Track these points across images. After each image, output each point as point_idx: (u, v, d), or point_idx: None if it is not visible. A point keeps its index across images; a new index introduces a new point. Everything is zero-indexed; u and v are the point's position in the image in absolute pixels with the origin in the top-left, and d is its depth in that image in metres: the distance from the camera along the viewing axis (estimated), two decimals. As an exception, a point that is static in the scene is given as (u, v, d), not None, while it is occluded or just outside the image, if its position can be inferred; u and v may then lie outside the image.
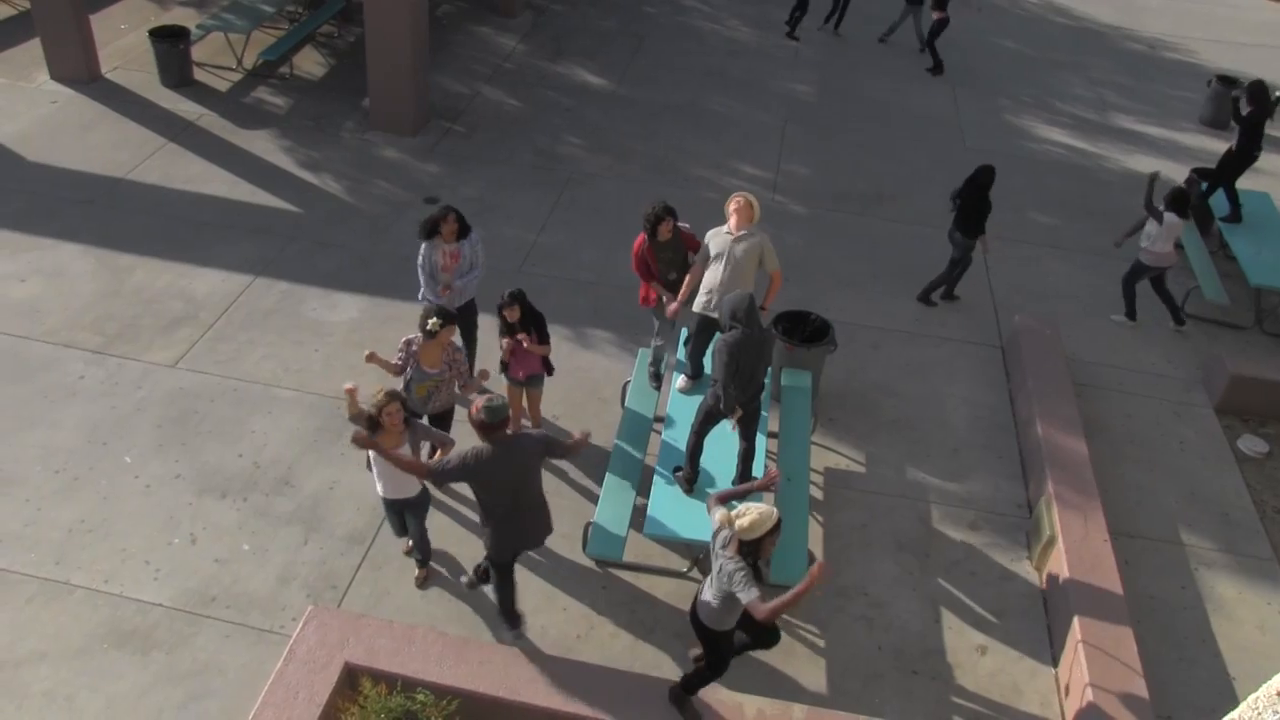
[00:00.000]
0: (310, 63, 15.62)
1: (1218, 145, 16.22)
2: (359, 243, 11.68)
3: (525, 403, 8.90)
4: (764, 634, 6.91)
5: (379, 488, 7.36)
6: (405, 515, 7.56)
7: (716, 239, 8.51)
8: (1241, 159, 12.79)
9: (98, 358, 9.74)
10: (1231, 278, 12.24)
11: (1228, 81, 16.83)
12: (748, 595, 5.65)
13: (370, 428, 6.85)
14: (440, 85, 15.12)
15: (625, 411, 8.91)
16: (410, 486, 7.32)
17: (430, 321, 7.54)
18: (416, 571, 7.90)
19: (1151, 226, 11.03)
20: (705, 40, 17.92)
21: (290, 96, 14.60)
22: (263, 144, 13.36)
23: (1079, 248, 13.01)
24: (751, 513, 5.78)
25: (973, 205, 10.89)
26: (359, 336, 10.25)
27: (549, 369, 8.67)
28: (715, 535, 6.00)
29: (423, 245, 8.87)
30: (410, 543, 7.88)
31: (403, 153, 13.47)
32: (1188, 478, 9.72)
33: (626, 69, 16.47)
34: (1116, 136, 16.13)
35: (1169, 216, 10.91)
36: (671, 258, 8.89)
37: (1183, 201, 10.90)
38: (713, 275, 8.45)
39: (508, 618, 7.33)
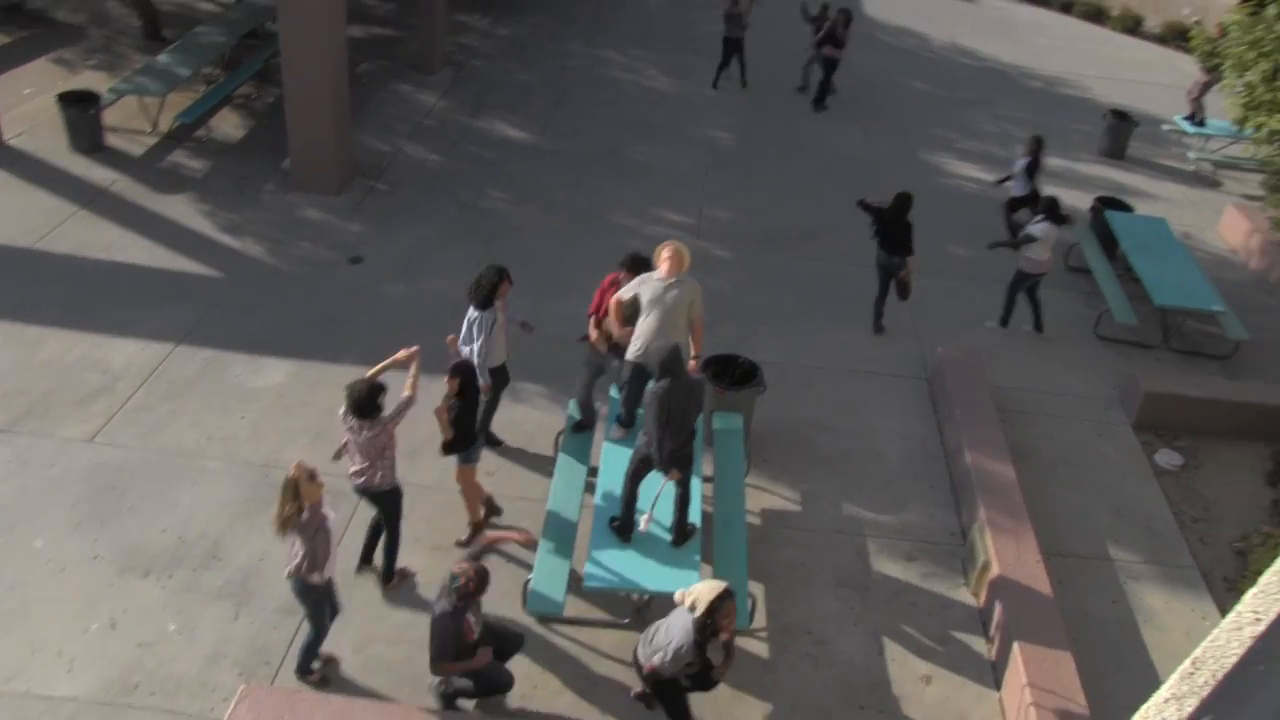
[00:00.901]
0: (229, 125, 15.51)
1: (1117, 174, 16.84)
2: (284, 305, 11.57)
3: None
4: (701, 678, 6.92)
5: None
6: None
7: (647, 287, 8.55)
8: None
9: (4, 436, 9.39)
10: (1138, 299, 12.65)
11: (1121, 115, 17.50)
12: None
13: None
14: (362, 143, 15.10)
15: (559, 462, 8.91)
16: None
17: (381, 400, 7.47)
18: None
19: (1032, 233, 11.70)
20: (625, 90, 18.15)
21: (208, 159, 14.47)
22: (181, 208, 13.20)
23: (996, 277, 13.31)
24: (693, 592, 5.90)
25: (897, 229, 11.38)
26: (287, 401, 10.13)
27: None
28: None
29: (482, 314, 8.70)
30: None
31: (326, 212, 13.41)
32: (1112, 494, 9.99)
33: (548, 121, 16.61)
34: (1023, 169, 16.60)
35: (1042, 226, 11.57)
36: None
37: (1055, 210, 11.67)
38: (645, 323, 8.48)
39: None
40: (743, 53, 18.22)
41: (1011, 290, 12.21)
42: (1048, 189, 15.92)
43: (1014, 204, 14.11)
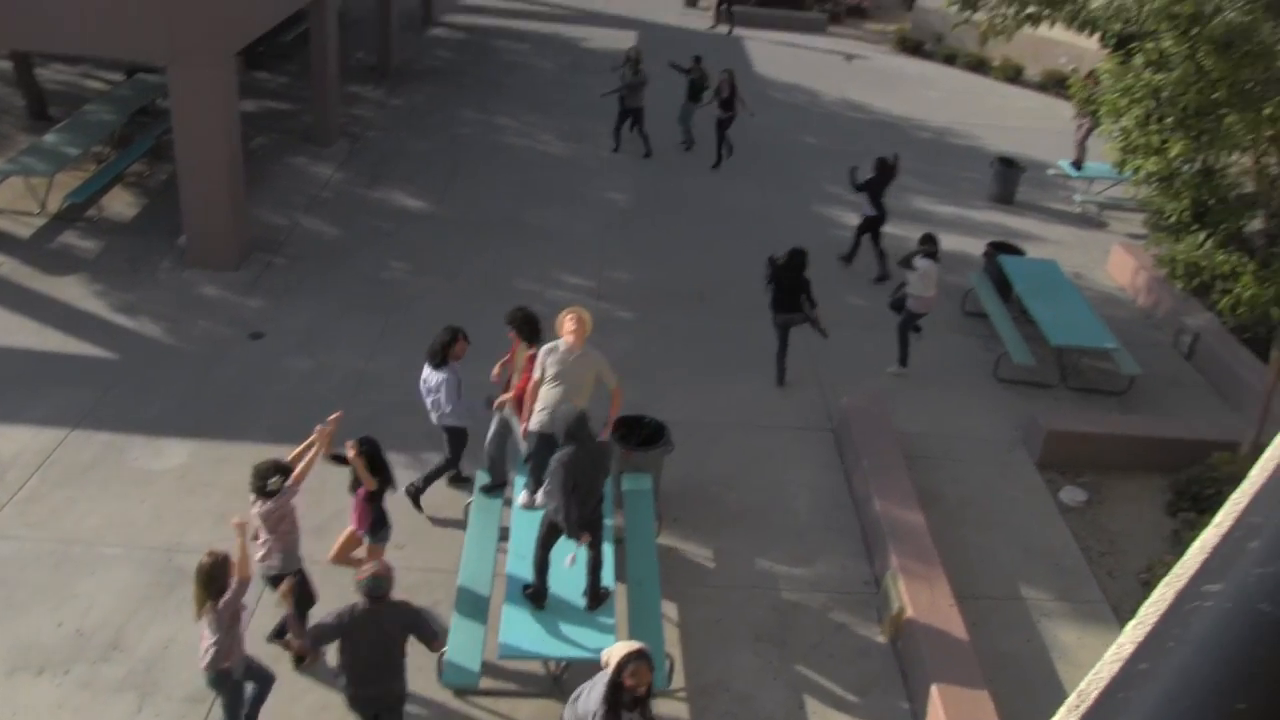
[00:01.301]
0: (121, 203, 15.23)
1: (1007, 219, 17.34)
2: (184, 384, 11.31)
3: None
4: None
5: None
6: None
7: (552, 356, 8.62)
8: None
9: (-113, 538, 8.98)
10: (1034, 340, 12.97)
11: (1008, 162, 18.08)
12: None
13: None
14: (259, 218, 14.91)
15: (469, 533, 8.80)
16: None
17: (271, 481, 7.34)
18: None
19: (912, 275, 12.11)
20: (520, 156, 18.24)
21: (101, 239, 14.16)
22: (73, 290, 12.87)
23: (892, 328, 13.55)
24: (611, 653, 5.90)
25: (791, 285, 11.68)
26: (189, 482, 9.87)
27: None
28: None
29: (448, 373, 8.93)
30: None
31: (223, 289, 13.19)
32: (1020, 534, 10.16)
33: (445, 190, 16.60)
34: (916, 217, 16.99)
35: (923, 262, 12.03)
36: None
37: (932, 246, 12.23)
38: (550, 393, 8.54)
39: None
40: (643, 123, 18.43)
41: (902, 329, 12.58)
42: (940, 236, 16.34)
43: (867, 223, 14.82)
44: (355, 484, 8.04)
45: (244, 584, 6.77)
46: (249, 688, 7.13)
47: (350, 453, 7.82)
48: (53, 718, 7.52)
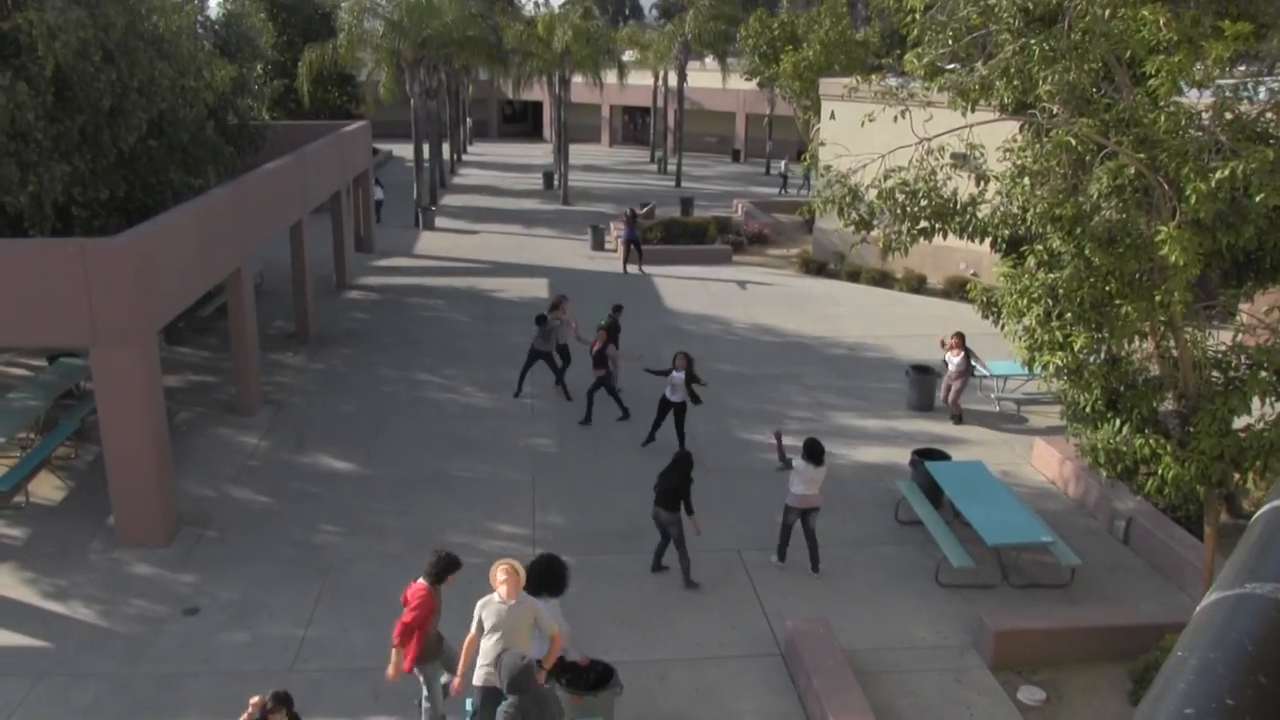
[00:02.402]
0: (48, 487, 14.99)
1: (929, 425, 17.74)
2: (117, 667, 10.89)
3: None
4: None
5: None
6: None
7: (489, 609, 8.65)
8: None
9: None
10: (971, 542, 13.06)
11: (921, 369, 18.66)
12: None
13: None
14: (186, 490, 14.74)
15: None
16: None
17: None
18: None
19: (792, 475, 12.77)
20: (444, 409, 18.40)
21: (28, 525, 13.87)
22: (1, 579, 12.51)
23: (831, 541, 13.61)
24: None
25: (676, 486, 12.39)
26: (118, 779, 9.37)
27: None
28: None
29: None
30: None
31: (156, 566, 12.89)
32: (983, 744, 9.95)
33: (371, 449, 16.61)
34: (839, 433, 17.35)
35: (800, 463, 12.70)
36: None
37: (812, 450, 12.81)
38: (490, 646, 8.52)
39: None
40: (558, 369, 18.79)
41: (784, 524, 13.13)
42: (866, 448, 16.65)
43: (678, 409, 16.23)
44: None
45: None
46: None
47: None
48: None
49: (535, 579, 9.03)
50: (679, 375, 16.15)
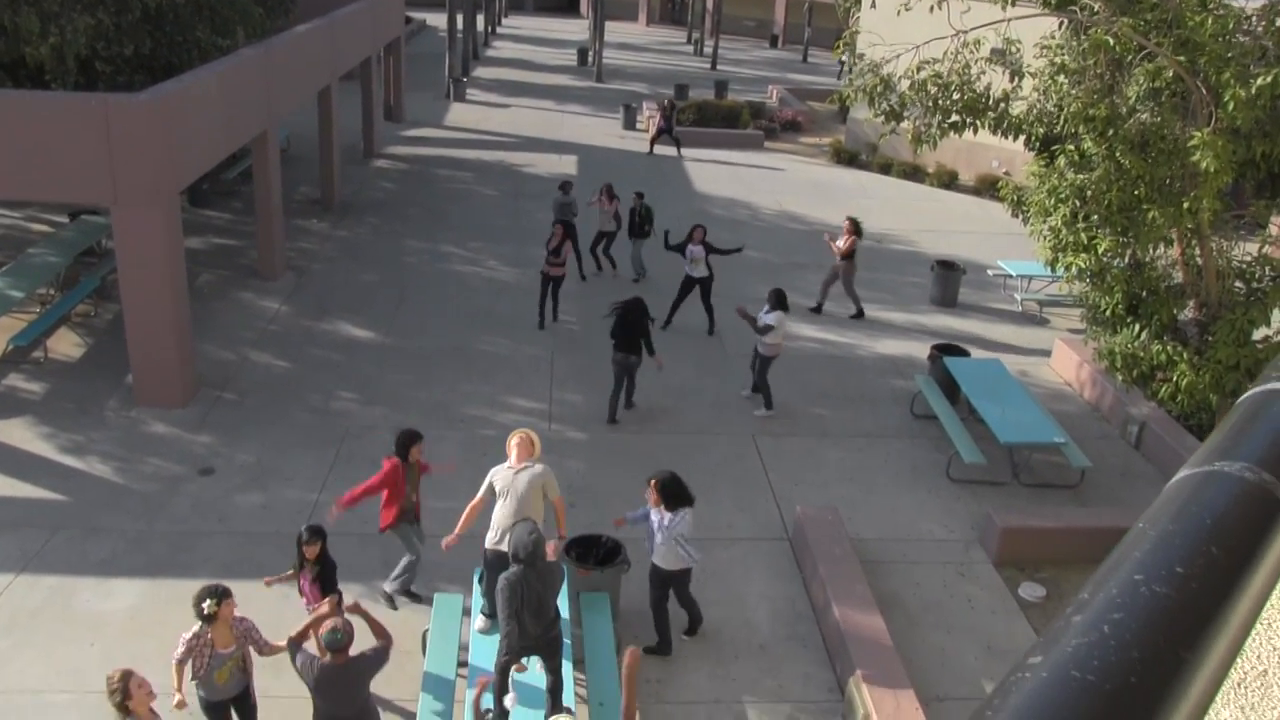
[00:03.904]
0: (67, 344, 15.15)
1: (951, 321, 17.66)
2: (132, 524, 11.14)
3: None
4: None
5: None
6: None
7: (499, 475, 8.73)
8: None
9: None
10: (984, 439, 13.09)
11: (946, 265, 18.49)
12: None
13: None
14: (206, 353, 14.88)
15: (427, 660, 8.65)
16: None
17: (206, 604, 7.26)
18: None
19: (772, 331, 13.63)
20: (467, 283, 18.41)
21: (47, 381, 14.05)
22: (18, 433, 12.72)
23: (846, 432, 13.70)
24: None
25: (630, 330, 13.24)
26: (139, 623, 9.64)
27: None
28: None
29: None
30: None
31: (172, 426, 13.08)
32: (981, 633, 10.11)
33: (393, 319, 16.68)
34: (861, 325, 17.31)
35: (777, 315, 13.63)
36: (415, 480, 9.69)
37: (781, 298, 13.76)
38: (500, 511, 8.62)
39: None
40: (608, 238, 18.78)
41: (761, 374, 14.01)
42: (886, 341, 16.61)
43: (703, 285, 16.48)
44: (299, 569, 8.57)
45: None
46: None
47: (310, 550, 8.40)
48: None
49: (669, 495, 9.12)
50: (696, 249, 16.07)
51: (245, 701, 7.78)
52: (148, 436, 12.87)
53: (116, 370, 14.19)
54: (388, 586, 9.92)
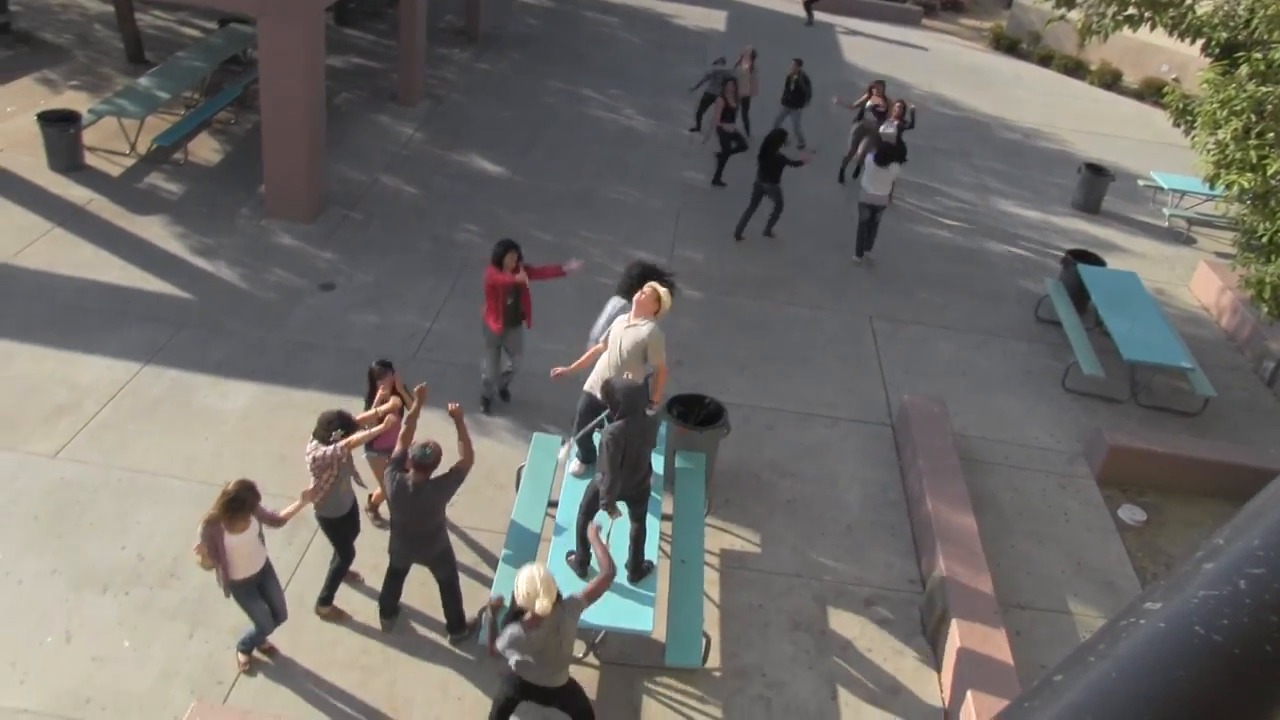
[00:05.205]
0: (206, 149, 15.51)
1: (1090, 228, 16.99)
2: (252, 330, 11.53)
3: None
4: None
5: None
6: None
7: (617, 324, 8.69)
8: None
9: (-29, 451, 9.35)
10: (1106, 353, 12.70)
11: (1095, 169, 17.68)
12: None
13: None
14: (338, 172, 15.12)
15: (519, 496, 8.88)
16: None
17: (334, 434, 7.52)
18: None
19: (866, 175, 14.27)
20: (602, 129, 18.25)
21: (185, 183, 14.46)
22: (155, 230, 13.17)
23: (965, 327, 13.41)
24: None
25: (770, 161, 14.07)
26: (250, 424, 10.08)
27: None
28: None
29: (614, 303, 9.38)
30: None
31: (298, 239, 13.40)
32: (1073, 548, 9.99)
33: (524, 157, 16.67)
34: (997, 220, 16.77)
35: (871, 164, 14.07)
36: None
37: (884, 150, 14.10)
38: (603, 361, 8.65)
39: (382, 609, 8.07)
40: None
41: (859, 220, 14.58)
42: (1020, 240, 16.10)
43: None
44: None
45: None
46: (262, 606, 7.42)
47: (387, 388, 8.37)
48: (114, 633, 7.81)
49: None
50: (890, 129, 16.16)
51: (356, 516, 8.10)
52: (274, 247, 13.20)
53: (251, 179, 14.51)
54: (486, 390, 10.59)
